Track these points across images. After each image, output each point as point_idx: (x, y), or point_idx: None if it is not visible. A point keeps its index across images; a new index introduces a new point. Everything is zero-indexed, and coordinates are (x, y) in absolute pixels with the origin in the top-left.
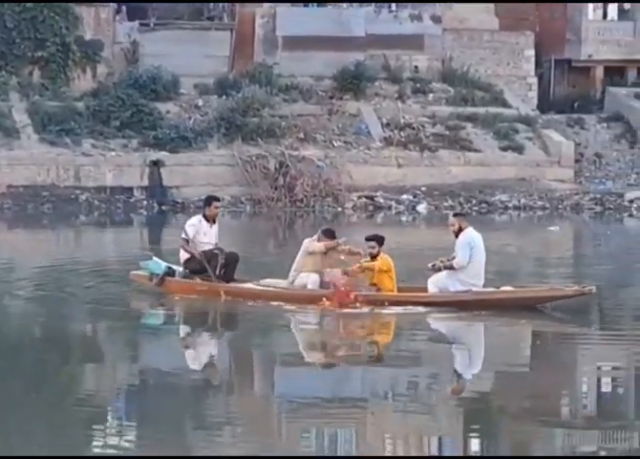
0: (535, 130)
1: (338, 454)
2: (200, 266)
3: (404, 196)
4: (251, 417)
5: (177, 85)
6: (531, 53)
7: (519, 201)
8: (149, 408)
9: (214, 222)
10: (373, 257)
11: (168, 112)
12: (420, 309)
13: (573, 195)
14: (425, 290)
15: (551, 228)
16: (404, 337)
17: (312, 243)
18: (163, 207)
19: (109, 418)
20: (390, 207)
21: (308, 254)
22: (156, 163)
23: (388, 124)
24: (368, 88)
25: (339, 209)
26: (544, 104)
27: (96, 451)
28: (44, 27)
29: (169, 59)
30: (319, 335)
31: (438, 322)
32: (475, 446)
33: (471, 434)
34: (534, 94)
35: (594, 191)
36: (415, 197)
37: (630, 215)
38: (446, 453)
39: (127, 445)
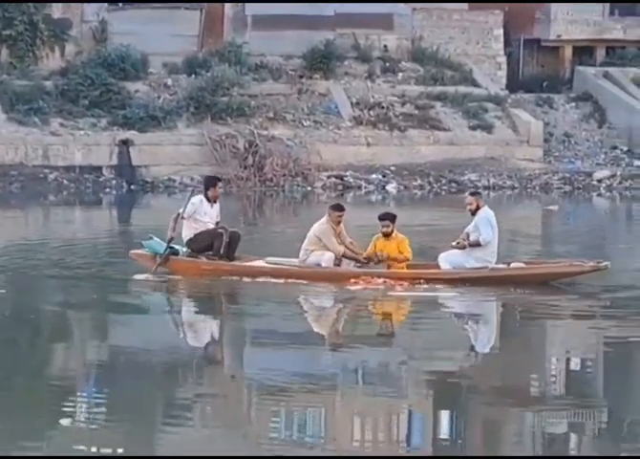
0: (504, 109)
1: (307, 433)
2: (203, 244)
3: (374, 176)
4: (222, 397)
5: (146, 64)
6: (500, 32)
7: (488, 180)
8: (125, 387)
9: (215, 202)
10: (387, 236)
11: (137, 91)
12: (441, 286)
13: (542, 174)
14: (435, 267)
15: (551, 207)
16: (420, 315)
17: (332, 241)
18: (132, 187)
19: (90, 396)
20: (359, 187)
21: (319, 239)
22: (125, 143)
23: (357, 104)
24: (337, 67)
25: (309, 189)
26: (514, 84)
27: (65, 426)
28: (12, 5)
29: (138, 38)
30: (324, 314)
31: (457, 300)
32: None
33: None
34: (503, 73)
35: (563, 171)
36: (384, 176)
37: (599, 195)
38: (417, 432)
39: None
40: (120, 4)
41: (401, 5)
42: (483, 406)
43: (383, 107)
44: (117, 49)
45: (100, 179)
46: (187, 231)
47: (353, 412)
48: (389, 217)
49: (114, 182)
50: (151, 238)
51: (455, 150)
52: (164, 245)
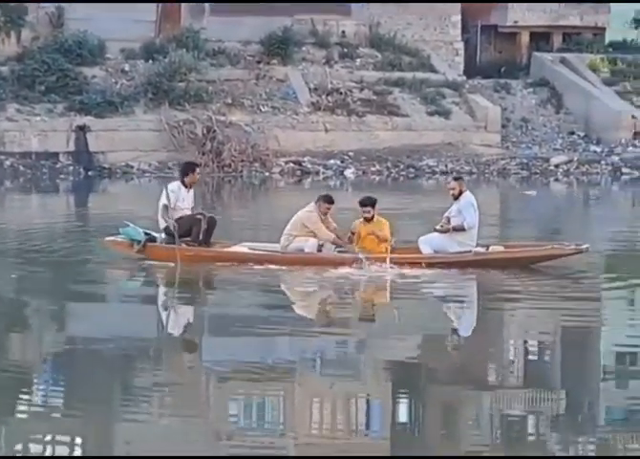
0: (462, 95)
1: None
2: (182, 230)
3: (332, 161)
4: (181, 384)
5: (103, 50)
6: (458, 18)
7: (446, 166)
8: (85, 375)
9: (190, 187)
10: (368, 220)
11: (94, 77)
12: (428, 270)
13: (500, 160)
14: (415, 250)
15: (528, 192)
16: (395, 299)
17: (321, 229)
18: (90, 173)
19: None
20: (317, 173)
21: (305, 227)
22: (82, 129)
23: (315, 89)
24: (295, 53)
25: (267, 175)
26: (471, 69)
27: (20, 417)
28: None
29: (95, 24)
30: (297, 299)
31: (433, 284)
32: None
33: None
34: (461, 59)
35: (520, 156)
36: (342, 162)
37: (556, 180)
38: (375, 417)
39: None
40: None
41: None
42: (443, 390)
43: (341, 93)
44: (73, 34)
45: (57, 165)
46: (165, 218)
47: (313, 398)
48: (370, 203)
49: (71, 168)
50: (127, 225)
51: (413, 136)
52: (141, 231)
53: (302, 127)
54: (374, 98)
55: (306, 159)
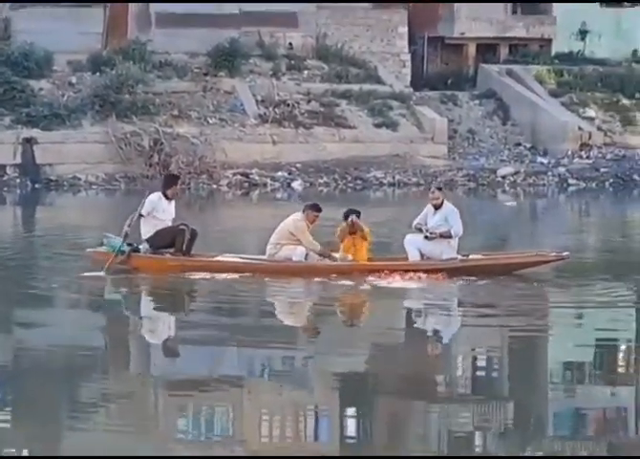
0: (409, 107)
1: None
2: (165, 241)
3: (279, 173)
4: (129, 396)
5: (50, 62)
6: (405, 30)
7: (393, 177)
8: (33, 387)
9: (171, 199)
10: (353, 232)
11: (41, 89)
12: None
13: (447, 171)
14: (397, 259)
15: (508, 203)
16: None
17: (309, 238)
18: (37, 185)
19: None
20: (265, 185)
21: (292, 235)
22: (29, 141)
23: (262, 101)
24: (242, 65)
25: (214, 187)
26: (418, 81)
27: None
28: None
29: (42, 36)
30: (265, 310)
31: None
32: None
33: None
34: (408, 71)
35: (468, 167)
36: (290, 174)
37: (503, 191)
38: (323, 430)
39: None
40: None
41: (305, 2)
42: (391, 401)
43: (288, 105)
44: (20, 47)
45: (4, 178)
46: (147, 229)
47: (261, 409)
48: (356, 213)
49: (18, 180)
50: (109, 237)
51: (360, 148)
52: (123, 242)
53: (249, 139)
54: (322, 109)
55: (253, 171)
